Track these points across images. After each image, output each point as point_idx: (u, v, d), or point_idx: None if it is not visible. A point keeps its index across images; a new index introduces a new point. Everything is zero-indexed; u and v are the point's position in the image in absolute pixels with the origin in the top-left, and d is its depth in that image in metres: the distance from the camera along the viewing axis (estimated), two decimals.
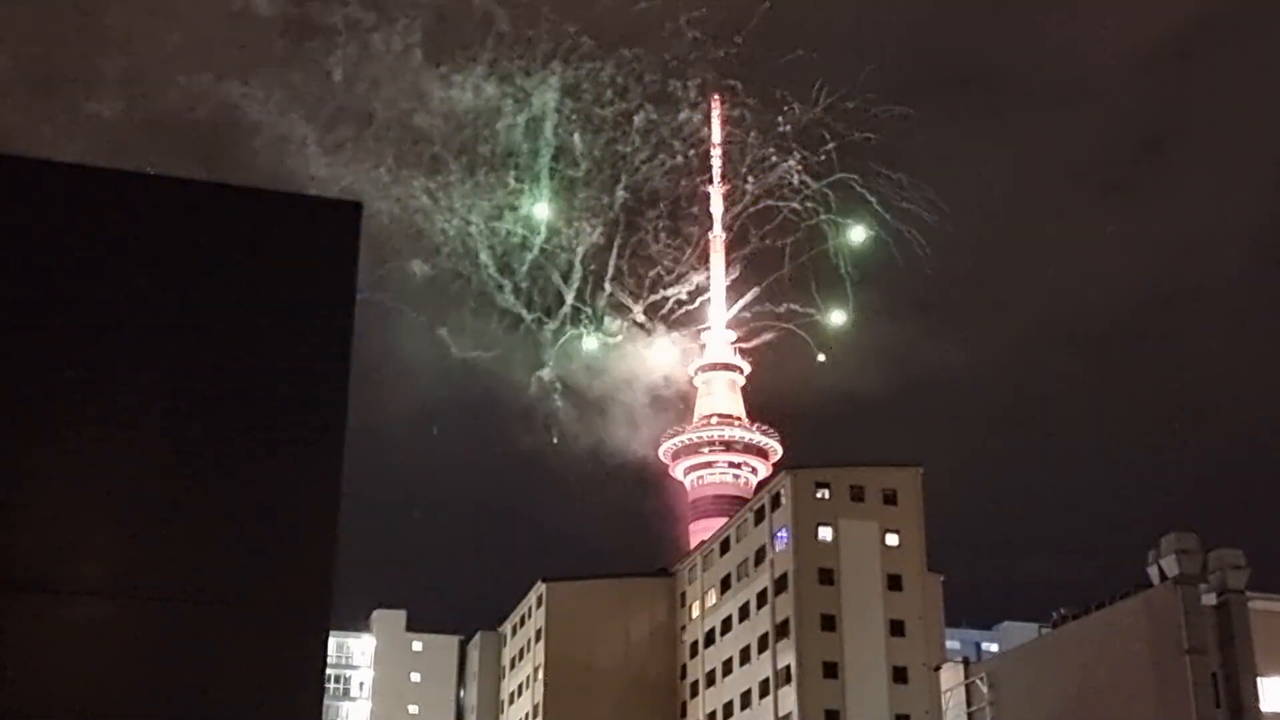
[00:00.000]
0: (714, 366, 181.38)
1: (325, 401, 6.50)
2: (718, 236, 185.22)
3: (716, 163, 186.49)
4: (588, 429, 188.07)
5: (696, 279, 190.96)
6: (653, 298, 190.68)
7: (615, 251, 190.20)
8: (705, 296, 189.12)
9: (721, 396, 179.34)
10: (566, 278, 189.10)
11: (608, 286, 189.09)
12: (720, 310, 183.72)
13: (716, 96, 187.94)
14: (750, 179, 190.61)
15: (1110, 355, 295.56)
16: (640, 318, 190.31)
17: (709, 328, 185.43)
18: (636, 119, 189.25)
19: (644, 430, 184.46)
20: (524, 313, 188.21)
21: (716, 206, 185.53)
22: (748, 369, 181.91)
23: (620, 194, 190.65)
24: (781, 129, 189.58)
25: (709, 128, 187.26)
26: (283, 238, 6.70)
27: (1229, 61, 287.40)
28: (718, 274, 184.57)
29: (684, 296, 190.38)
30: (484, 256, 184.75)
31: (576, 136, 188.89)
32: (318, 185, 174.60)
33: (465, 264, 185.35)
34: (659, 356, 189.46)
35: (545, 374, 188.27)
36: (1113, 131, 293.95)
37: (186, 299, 6.36)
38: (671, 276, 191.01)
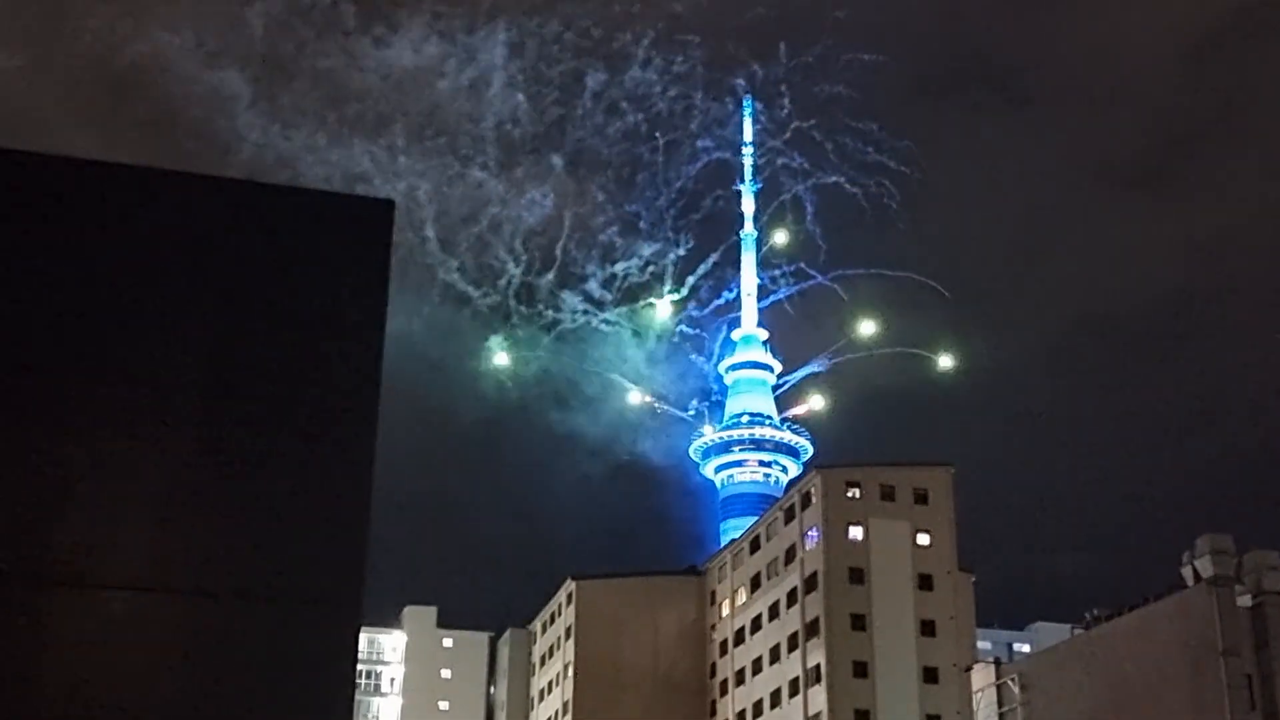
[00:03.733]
0: (745, 365, 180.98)
1: (357, 398, 6.51)
2: (748, 235, 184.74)
3: (747, 161, 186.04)
4: (600, 423, 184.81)
5: (648, 250, 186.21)
6: (603, 272, 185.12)
7: (566, 221, 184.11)
8: (654, 268, 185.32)
9: (752, 396, 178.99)
10: (512, 250, 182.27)
11: (559, 258, 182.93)
12: (751, 307, 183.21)
13: (748, 95, 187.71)
14: (703, 137, 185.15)
15: (1141, 351, 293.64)
16: (597, 293, 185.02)
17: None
18: (588, 80, 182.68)
19: (661, 426, 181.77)
20: (470, 290, 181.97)
21: (747, 206, 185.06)
22: (778, 368, 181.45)
23: (560, 160, 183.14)
24: (738, 83, 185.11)
25: (740, 123, 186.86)
26: (315, 235, 6.71)
27: (1261, 58, 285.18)
28: (748, 272, 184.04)
29: (634, 270, 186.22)
30: (430, 230, 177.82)
31: (521, 96, 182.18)
32: (250, 149, 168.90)
33: (410, 235, 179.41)
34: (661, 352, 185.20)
35: (499, 358, 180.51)
36: (1143, 127, 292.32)
37: (218, 296, 6.38)
38: (623, 249, 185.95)
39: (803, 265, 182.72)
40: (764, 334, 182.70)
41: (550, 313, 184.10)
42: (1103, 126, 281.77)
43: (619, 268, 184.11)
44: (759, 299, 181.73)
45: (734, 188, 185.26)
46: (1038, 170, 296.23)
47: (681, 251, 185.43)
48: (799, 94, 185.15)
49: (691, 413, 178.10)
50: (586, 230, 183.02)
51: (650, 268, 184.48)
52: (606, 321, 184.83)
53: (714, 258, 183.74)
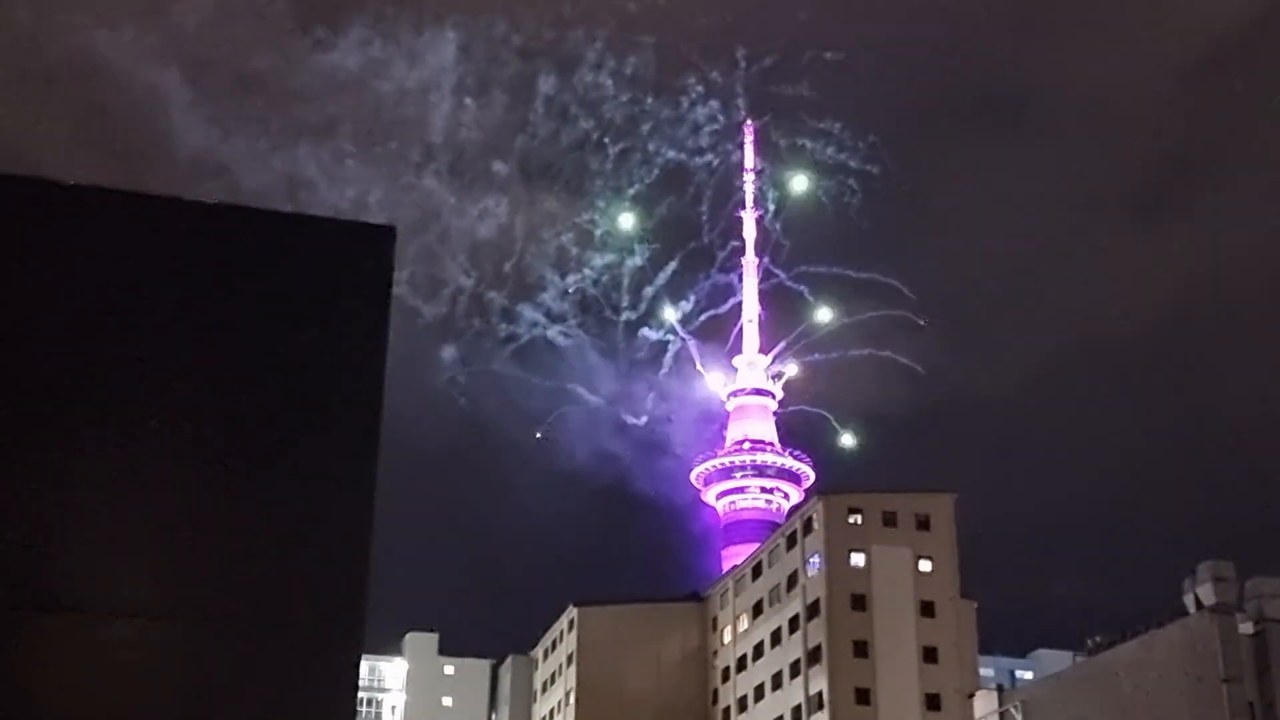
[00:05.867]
0: (746, 392, 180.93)
1: (359, 424, 6.56)
2: (750, 261, 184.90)
3: (749, 188, 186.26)
4: (590, 448, 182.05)
5: (602, 261, 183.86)
6: (558, 284, 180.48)
7: (519, 231, 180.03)
8: (608, 277, 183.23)
9: (754, 422, 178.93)
10: (460, 262, 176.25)
11: (511, 271, 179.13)
12: (753, 334, 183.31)
13: (749, 123, 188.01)
14: (656, 141, 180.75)
15: (1140, 376, 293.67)
16: (555, 306, 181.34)
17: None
18: (539, 83, 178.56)
19: (660, 452, 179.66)
20: (420, 303, 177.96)
21: (749, 231, 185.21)
22: (780, 395, 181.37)
23: (511, 166, 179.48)
24: (693, 84, 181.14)
25: (740, 151, 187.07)
26: (316, 261, 6.77)
27: (1260, 84, 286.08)
28: (750, 297, 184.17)
29: (588, 282, 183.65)
30: None
31: (471, 101, 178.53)
32: (187, 151, 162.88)
33: None
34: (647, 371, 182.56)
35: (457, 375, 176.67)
36: (1141, 152, 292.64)
37: (220, 323, 6.43)
38: (577, 260, 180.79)
39: (765, 263, 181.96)
40: (766, 360, 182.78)
41: (505, 325, 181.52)
42: (1101, 151, 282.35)
43: (571, 280, 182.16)
44: (720, 302, 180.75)
45: (736, 214, 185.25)
46: (1036, 195, 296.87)
47: (638, 261, 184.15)
48: (755, 93, 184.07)
49: (644, 419, 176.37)
50: (540, 240, 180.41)
51: (605, 278, 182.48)
52: (565, 334, 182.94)
53: (672, 266, 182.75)
